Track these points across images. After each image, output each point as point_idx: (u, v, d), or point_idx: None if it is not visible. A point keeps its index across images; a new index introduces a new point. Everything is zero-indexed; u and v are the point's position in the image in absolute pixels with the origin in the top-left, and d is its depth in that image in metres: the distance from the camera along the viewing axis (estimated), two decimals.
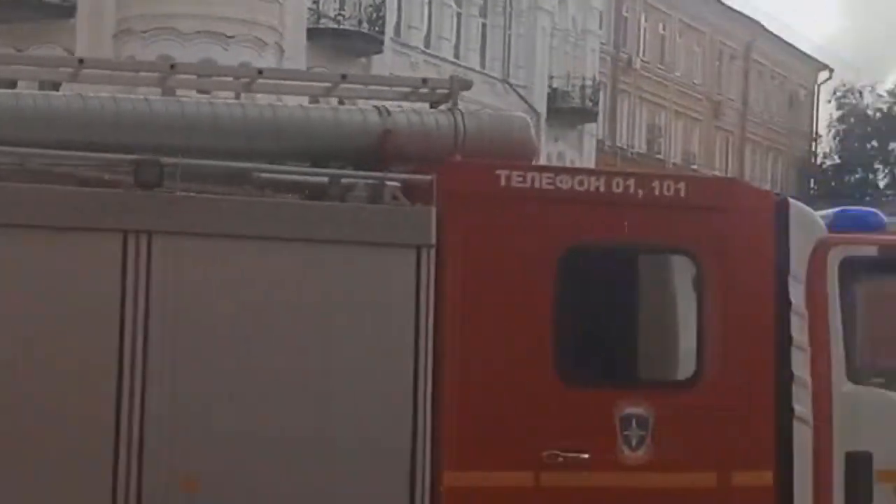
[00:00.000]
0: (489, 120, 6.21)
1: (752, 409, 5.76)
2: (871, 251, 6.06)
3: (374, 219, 5.57)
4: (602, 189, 5.77)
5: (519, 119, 6.28)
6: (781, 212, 5.96)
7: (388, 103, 6.14)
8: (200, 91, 7.32)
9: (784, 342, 5.85)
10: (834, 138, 49.90)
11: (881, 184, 46.05)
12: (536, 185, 5.72)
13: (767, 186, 35.91)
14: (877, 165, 48.18)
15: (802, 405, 5.82)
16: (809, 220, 6.07)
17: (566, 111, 35.08)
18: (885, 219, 6.45)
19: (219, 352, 5.28)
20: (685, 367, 5.81)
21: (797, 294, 5.89)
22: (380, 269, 5.53)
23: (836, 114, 48.41)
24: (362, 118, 5.96)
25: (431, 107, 6.28)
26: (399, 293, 5.51)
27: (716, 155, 46.58)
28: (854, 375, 5.94)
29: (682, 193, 5.83)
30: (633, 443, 5.63)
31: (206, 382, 5.25)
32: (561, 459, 5.53)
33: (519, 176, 5.72)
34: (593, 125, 37.37)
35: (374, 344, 5.47)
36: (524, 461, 5.54)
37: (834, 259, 5.99)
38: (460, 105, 6.14)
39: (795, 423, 5.80)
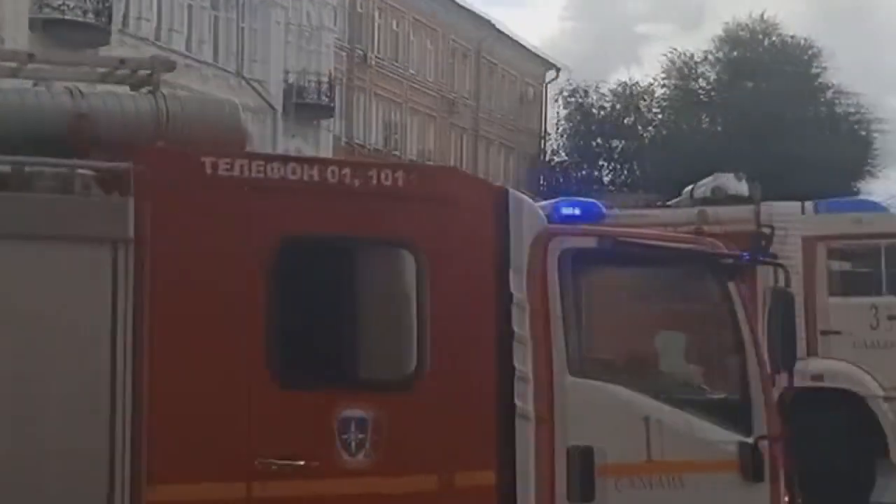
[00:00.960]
0: (195, 104, 5.75)
1: (472, 407, 5.56)
2: (591, 242, 6.00)
3: (65, 211, 5.04)
4: (316, 178, 5.42)
5: (228, 104, 5.85)
6: (501, 202, 5.80)
7: (82, 85, 5.58)
8: None
9: (505, 336, 5.69)
10: (561, 136, 51.70)
11: (606, 179, 48.08)
12: (245, 173, 5.30)
13: (501, 182, 36.71)
14: (601, 162, 50.22)
15: (524, 400, 5.68)
16: (529, 211, 5.93)
17: (303, 107, 34.71)
18: (606, 210, 6.43)
19: None
20: (404, 365, 5.53)
21: (518, 286, 5.74)
22: (72, 266, 5.01)
23: (563, 112, 50.20)
24: (52, 101, 5.39)
25: (132, 90, 5.77)
26: (94, 291, 5.01)
27: (451, 151, 47.32)
28: (575, 368, 5.84)
29: (401, 183, 5.56)
30: (353, 447, 5.31)
31: None
32: (275, 468, 5.14)
33: (226, 164, 5.28)
34: (330, 121, 37.15)
35: (67, 346, 4.96)
36: (234, 471, 5.12)
37: (554, 250, 5.88)
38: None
39: (517, 420, 5.65)
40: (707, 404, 6.23)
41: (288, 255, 5.29)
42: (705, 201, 13.18)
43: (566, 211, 6.22)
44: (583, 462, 5.72)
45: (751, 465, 6.02)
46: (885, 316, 12.32)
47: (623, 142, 48.61)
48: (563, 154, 52.58)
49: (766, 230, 8.13)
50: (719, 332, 6.31)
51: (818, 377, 12.37)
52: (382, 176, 5.53)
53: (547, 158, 53.31)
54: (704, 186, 13.55)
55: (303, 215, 5.37)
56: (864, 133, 41.04)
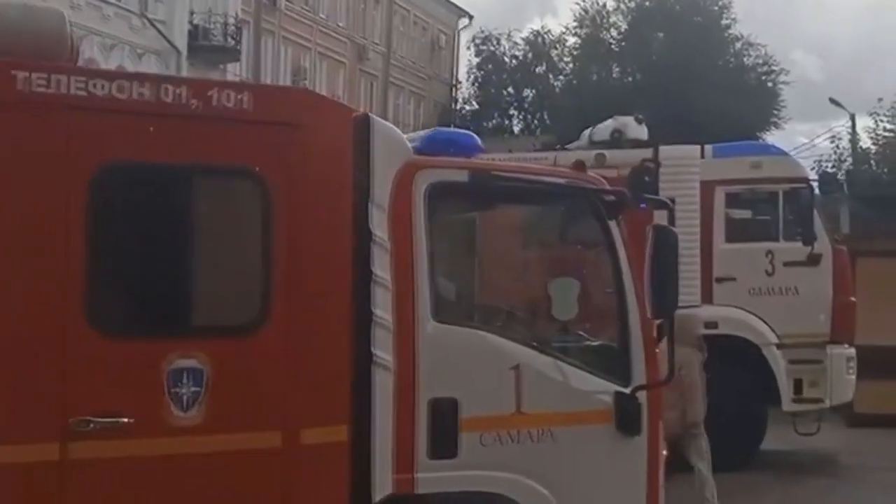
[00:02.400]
0: (15, 12, 5.05)
1: (324, 356, 5.01)
2: (462, 176, 5.45)
3: None
4: (148, 97, 4.78)
5: (51, 12, 5.15)
6: (362, 129, 5.21)
7: None
8: None
9: (363, 278, 5.14)
10: (473, 84, 51.18)
11: (516, 129, 47.72)
12: (64, 90, 4.64)
13: (411, 131, 36.20)
14: (512, 111, 49.89)
15: (383, 349, 5.14)
16: (394, 140, 5.37)
17: (208, 49, 33.55)
18: (481, 142, 5.89)
19: None
20: (246, 309, 4.95)
21: (379, 223, 5.19)
22: None
23: (475, 61, 49.62)
24: None
25: None
26: None
27: (361, 98, 46.45)
28: (441, 314, 5.33)
29: (246, 105, 4.93)
30: (185, 402, 4.73)
31: None
32: (93, 426, 4.54)
33: (42, 78, 4.62)
34: (236, 64, 36.00)
35: None
36: (47, 431, 4.51)
37: (420, 184, 5.34)
38: None
39: (375, 370, 5.12)
40: (583, 352, 5.79)
41: (111, 185, 4.67)
42: (604, 144, 12.81)
43: (439, 143, 5.65)
44: (446, 415, 5.24)
45: (627, 417, 5.60)
46: (780, 262, 12.10)
47: (534, 91, 48.27)
48: (474, 103, 52.09)
49: (651, 165, 7.71)
50: (599, 275, 5.85)
51: (712, 324, 12.12)
52: (225, 97, 4.90)
53: (458, 107, 52.78)
54: (603, 129, 13.16)
55: (130, 139, 4.73)
56: (770, 85, 41.15)
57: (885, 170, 28.48)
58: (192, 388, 4.74)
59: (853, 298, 12.38)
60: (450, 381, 5.28)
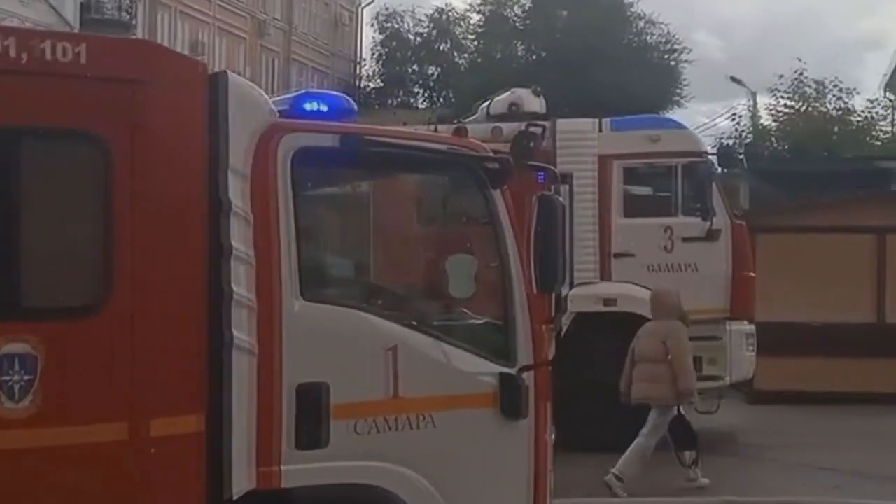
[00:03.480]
0: None
1: (174, 339, 4.52)
2: (331, 140, 4.98)
3: None
4: None
5: None
6: (217, 88, 4.70)
7: None
8: None
9: (220, 252, 4.66)
10: (376, 61, 50.62)
11: (420, 107, 47.28)
12: None
13: None
14: (416, 89, 49.45)
15: (243, 330, 4.66)
16: (255, 101, 4.87)
17: (101, 23, 32.39)
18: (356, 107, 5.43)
19: None
20: (84, 288, 4.44)
21: (237, 192, 4.70)
22: None
23: (379, 38, 49.01)
24: None
25: None
26: None
27: (262, 74, 45.55)
28: (309, 291, 4.86)
29: (83, 59, 4.39)
30: (16, 391, 4.21)
31: None
32: None
33: None
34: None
35: None
36: None
37: (286, 150, 4.86)
38: None
39: (233, 353, 4.64)
40: (466, 331, 5.39)
41: None
42: (501, 118, 12.46)
43: (309, 106, 5.18)
44: (314, 402, 4.79)
45: (512, 400, 5.22)
46: (679, 238, 11.89)
47: (438, 69, 47.90)
48: (378, 80, 51.55)
49: (536, 129, 7.34)
50: (481, 248, 5.45)
51: (611, 301, 11.89)
52: (59, 50, 4.36)
53: (362, 85, 52.18)
54: (500, 102, 12.81)
55: None
56: (672, 63, 41.41)
57: (786, 146, 28.74)
58: (24, 377, 4.22)
59: (752, 274, 12.25)
60: (319, 365, 4.83)
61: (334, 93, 5.56)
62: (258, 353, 4.70)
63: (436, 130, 7.15)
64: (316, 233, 5.16)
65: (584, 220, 11.97)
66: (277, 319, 4.76)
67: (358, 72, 52.75)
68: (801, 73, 29.57)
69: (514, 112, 12.43)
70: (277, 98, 5.37)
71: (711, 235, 11.82)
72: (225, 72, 4.79)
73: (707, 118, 70.36)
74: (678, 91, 41.54)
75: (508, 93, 12.79)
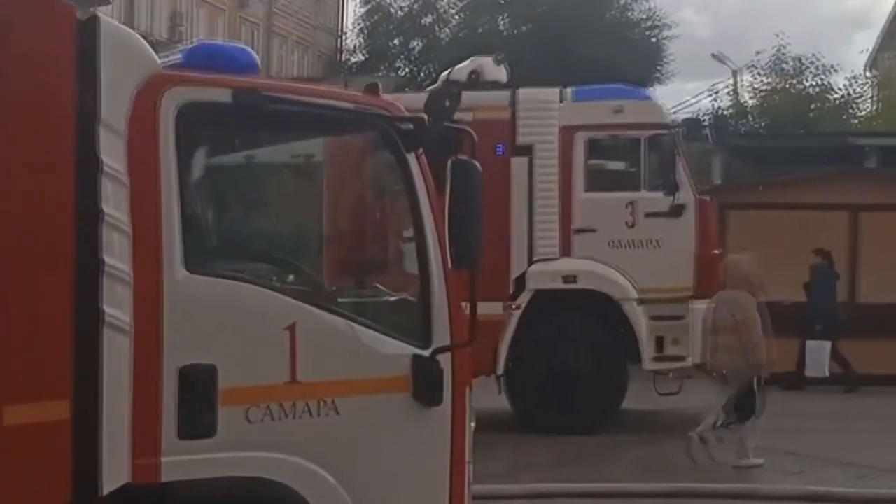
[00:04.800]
0: None
1: (35, 316, 4.01)
2: (224, 96, 4.47)
3: None
4: None
5: None
6: (87, 33, 4.19)
7: None
8: None
9: (91, 218, 4.16)
10: (359, 35, 50.03)
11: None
12: None
13: None
14: (399, 63, 48.85)
15: (116, 306, 4.17)
16: (133, 49, 4.34)
17: None
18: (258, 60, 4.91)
19: None
20: None
21: (112, 150, 4.18)
22: None
23: (362, 10, 48.36)
24: None
25: None
26: None
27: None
28: (195, 263, 4.37)
29: None
30: None
31: None
32: None
33: None
34: (108, 7, 34.16)
35: None
36: None
37: (170, 104, 4.34)
38: None
39: (106, 332, 4.15)
40: (377, 308, 4.91)
41: None
42: (461, 86, 11.94)
43: (202, 58, 4.66)
44: (200, 386, 4.30)
45: (426, 384, 4.74)
46: (642, 213, 11.42)
47: (421, 42, 47.33)
48: (360, 54, 51.00)
49: (454, 88, 6.84)
50: (396, 218, 4.96)
51: (571, 278, 11.45)
52: None
53: (344, 58, 51.63)
54: (460, 70, 12.30)
55: None
56: (654, 40, 40.91)
57: (763, 123, 28.31)
58: None
59: (718, 251, 11.80)
60: (206, 345, 4.35)
61: (234, 44, 5.03)
62: (135, 332, 4.21)
63: (346, 87, 6.64)
64: (206, 198, 4.66)
65: (546, 195, 11.51)
66: (157, 294, 4.27)
67: (341, 45, 52.15)
68: (781, 50, 29.17)
69: (474, 81, 11.94)
70: (177, 49, 4.85)
71: (676, 211, 11.36)
72: (96, 16, 4.27)
73: (692, 97, 69.97)
74: (661, 68, 41.06)
75: (469, 61, 12.29)
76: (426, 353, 4.77)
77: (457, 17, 45.86)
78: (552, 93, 11.74)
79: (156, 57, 4.45)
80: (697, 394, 13.75)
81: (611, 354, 11.45)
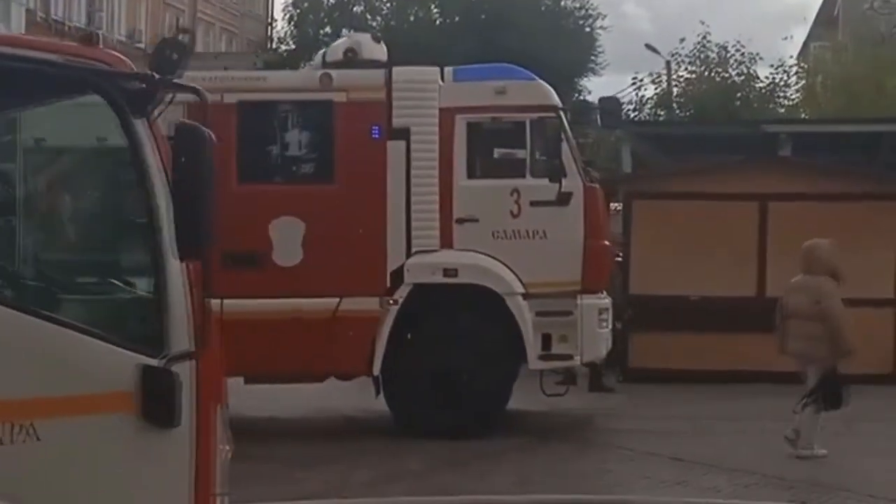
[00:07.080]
0: None
1: None
2: None
3: None
4: None
5: None
6: None
7: None
8: None
9: None
10: (289, 23, 49.11)
11: None
12: None
13: (222, 70, 33.91)
14: None
15: None
16: None
17: None
18: None
19: None
20: None
21: None
22: None
23: None
24: None
25: None
26: None
27: (165, 33, 43.87)
28: None
29: None
30: None
31: None
32: None
33: None
34: None
35: None
36: None
37: None
38: None
39: None
40: (94, 308, 4.04)
41: None
42: (336, 65, 11.11)
43: None
44: None
45: (157, 400, 3.87)
46: (527, 202, 10.61)
47: (351, 31, 46.45)
48: (290, 42, 50.06)
49: (181, 38, 6.01)
50: (121, 197, 4.09)
51: (452, 271, 10.62)
52: None
53: (273, 46, 50.65)
54: (336, 48, 11.48)
55: None
56: (588, 30, 40.34)
57: (686, 113, 27.80)
58: None
59: (607, 242, 11.03)
60: None
61: None
62: None
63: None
64: None
65: (424, 181, 10.68)
66: None
67: (270, 34, 51.15)
68: (705, 38, 28.70)
69: (350, 59, 11.13)
70: None
71: (562, 199, 10.56)
72: None
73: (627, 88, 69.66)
74: (594, 58, 40.52)
75: (345, 38, 11.44)
76: (158, 362, 3.89)
77: (387, 6, 45.00)
78: (431, 72, 10.91)
79: None
80: (601, 393, 13.09)
81: (495, 353, 10.64)
